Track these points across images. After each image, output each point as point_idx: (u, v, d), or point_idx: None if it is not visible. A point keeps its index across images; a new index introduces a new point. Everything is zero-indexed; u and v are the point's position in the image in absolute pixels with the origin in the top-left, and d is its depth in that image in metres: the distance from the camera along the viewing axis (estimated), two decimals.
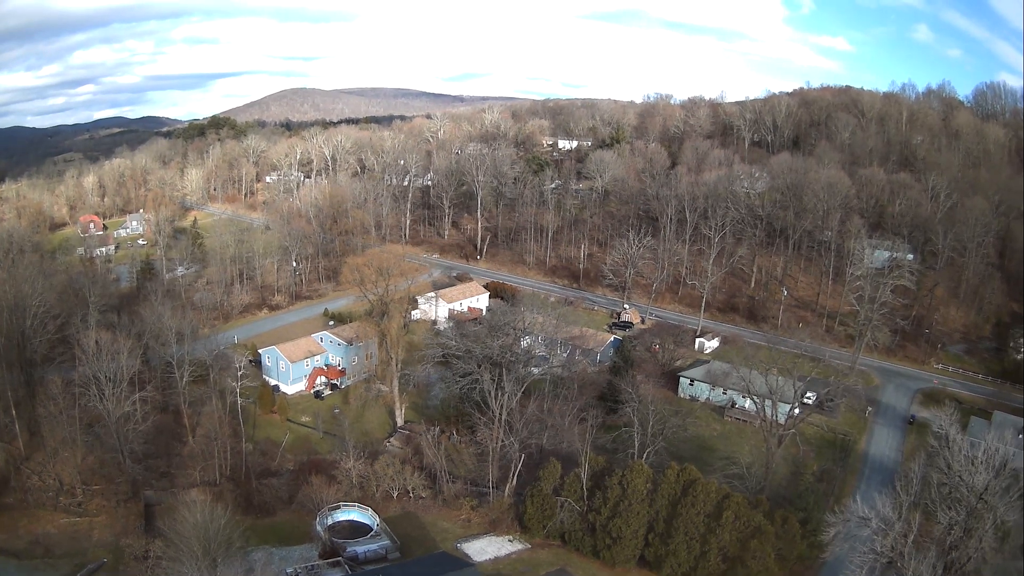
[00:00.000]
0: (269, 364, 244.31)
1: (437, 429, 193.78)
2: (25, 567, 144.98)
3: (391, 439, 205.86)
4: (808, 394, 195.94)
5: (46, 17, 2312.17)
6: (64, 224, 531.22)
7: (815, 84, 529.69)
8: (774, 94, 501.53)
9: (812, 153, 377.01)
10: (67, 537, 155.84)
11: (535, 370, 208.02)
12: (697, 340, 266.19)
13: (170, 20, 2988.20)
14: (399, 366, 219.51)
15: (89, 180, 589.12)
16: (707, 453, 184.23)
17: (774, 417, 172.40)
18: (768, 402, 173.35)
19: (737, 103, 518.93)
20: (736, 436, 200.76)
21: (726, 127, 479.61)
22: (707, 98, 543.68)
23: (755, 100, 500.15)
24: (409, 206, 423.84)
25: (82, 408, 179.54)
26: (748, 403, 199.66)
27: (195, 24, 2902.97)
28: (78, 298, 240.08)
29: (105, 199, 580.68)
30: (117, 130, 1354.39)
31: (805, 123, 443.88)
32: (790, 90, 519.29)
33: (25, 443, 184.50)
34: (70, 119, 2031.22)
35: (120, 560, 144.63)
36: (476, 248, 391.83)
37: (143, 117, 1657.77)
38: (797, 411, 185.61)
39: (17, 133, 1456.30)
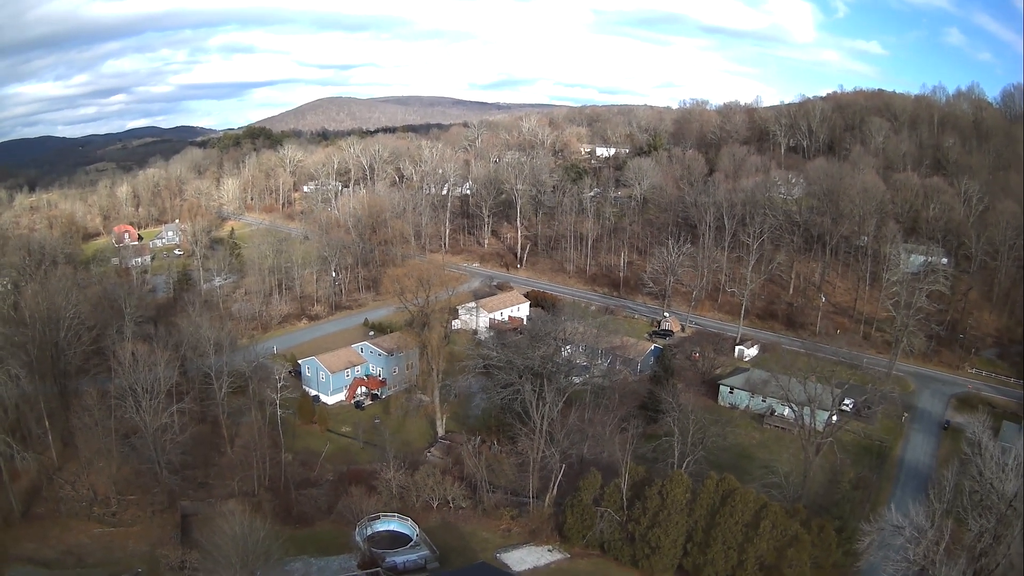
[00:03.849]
0: (309, 375, 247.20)
1: (478, 439, 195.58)
2: None
3: (432, 449, 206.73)
4: (846, 401, 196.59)
5: (76, 25, 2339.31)
6: (98, 234, 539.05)
7: (848, 88, 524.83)
8: (808, 98, 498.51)
9: (847, 158, 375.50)
10: (101, 547, 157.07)
11: (576, 380, 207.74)
12: (737, 348, 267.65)
13: (205, 29, 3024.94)
14: (440, 376, 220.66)
15: (123, 190, 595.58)
16: (746, 461, 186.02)
17: (812, 425, 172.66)
18: (807, 410, 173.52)
19: (772, 108, 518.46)
20: (775, 444, 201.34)
21: (762, 133, 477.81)
22: (743, 103, 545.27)
23: (790, 105, 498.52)
24: (448, 215, 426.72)
25: (118, 419, 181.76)
26: (787, 411, 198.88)
27: (230, 33, 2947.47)
28: (113, 309, 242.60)
29: (140, 209, 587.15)
30: (151, 140, 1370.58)
31: (839, 128, 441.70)
32: (824, 94, 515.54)
33: (58, 453, 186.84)
34: (102, 129, 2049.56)
35: (155, 570, 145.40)
36: (516, 257, 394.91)
37: (177, 127, 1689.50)
38: (835, 419, 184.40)
39: (47, 143, 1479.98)
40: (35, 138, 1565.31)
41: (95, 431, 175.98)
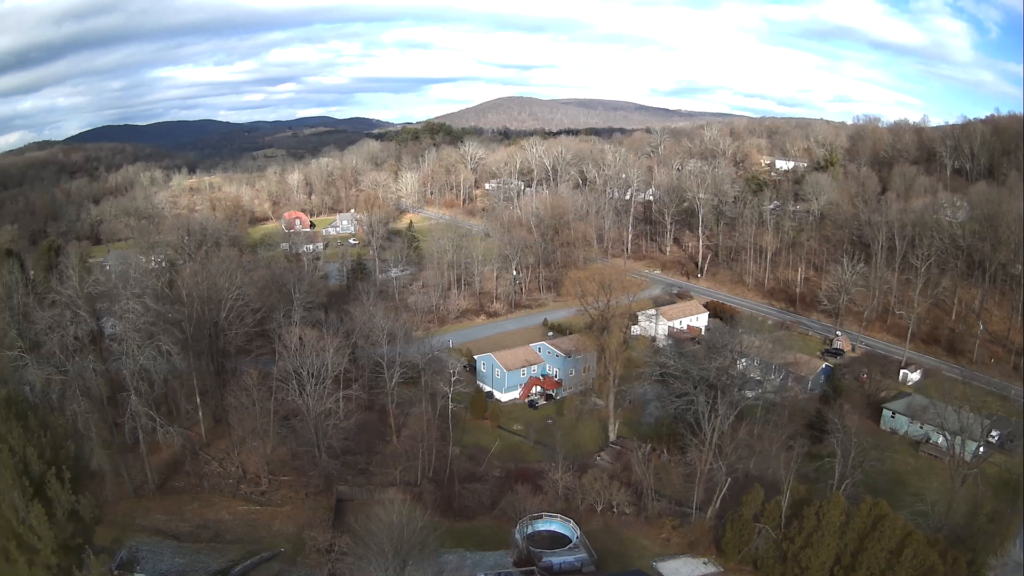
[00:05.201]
0: (484, 371, 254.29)
1: (648, 447, 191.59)
2: (185, 550, 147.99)
3: (601, 453, 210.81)
4: (993, 433, 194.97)
5: (234, 13, 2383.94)
6: (266, 219, 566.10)
7: (1004, 111, 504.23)
8: (969, 120, 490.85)
9: (1004, 183, 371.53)
10: (243, 524, 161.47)
11: (749, 394, 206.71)
12: (901, 371, 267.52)
13: (378, 23, 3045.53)
14: (616, 381, 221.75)
15: (294, 177, 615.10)
16: (899, 487, 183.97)
17: (962, 454, 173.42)
18: (958, 439, 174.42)
19: (938, 128, 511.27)
20: (927, 472, 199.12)
21: (929, 152, 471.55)
22: (911, 121, 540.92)
23: (953, 125, 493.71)
24: (631, 220, 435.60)
25: (278, 401, 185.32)
26: (940, 439, 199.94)
27: (406, 28, 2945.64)
28: (282, 293, 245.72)
29: (312, 197, 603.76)
30: (323, 129, 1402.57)
31: (998, 151, 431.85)
32: (984, 116, 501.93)
33: (208, 430, 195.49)
34: (269, 116, 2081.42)
35: (299, 551, 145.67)
36: (697, 266, 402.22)
37: (351, 118, 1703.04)
38: (983, 450, 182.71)
39: (208, 126, 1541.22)
40: (194, 121, 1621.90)
41: (252, 411, 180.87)
